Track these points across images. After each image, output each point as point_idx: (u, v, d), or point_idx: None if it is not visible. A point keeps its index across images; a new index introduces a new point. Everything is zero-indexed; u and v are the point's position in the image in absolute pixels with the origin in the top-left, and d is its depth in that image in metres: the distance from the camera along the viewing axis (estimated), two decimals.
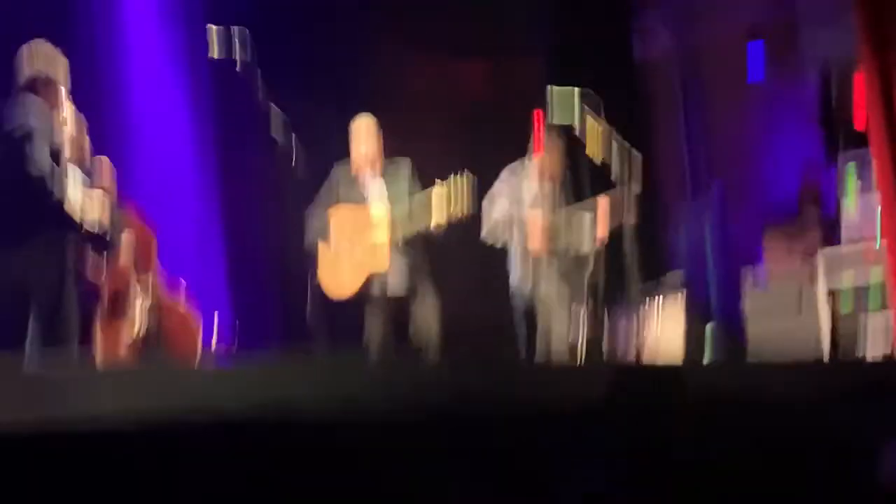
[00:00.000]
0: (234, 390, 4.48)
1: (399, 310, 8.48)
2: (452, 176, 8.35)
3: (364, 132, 8.60)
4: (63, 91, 6.73)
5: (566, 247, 9.17)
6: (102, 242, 6.72)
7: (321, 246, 8.52)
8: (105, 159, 7.35)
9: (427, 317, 8.42)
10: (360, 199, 8.54)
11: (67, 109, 7.03)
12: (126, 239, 7.45)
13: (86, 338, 7.21)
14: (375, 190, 8.57)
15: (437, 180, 8.39)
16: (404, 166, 8.63)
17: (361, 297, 8.44)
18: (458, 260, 9.10)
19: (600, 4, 11.83)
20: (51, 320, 6.44)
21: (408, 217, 8.37)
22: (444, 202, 8.27)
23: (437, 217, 8.28)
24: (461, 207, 8.32)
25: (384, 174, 8.59)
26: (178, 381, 4.52)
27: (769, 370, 6.32)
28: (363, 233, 8.43)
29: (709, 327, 10.24)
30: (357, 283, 8.42)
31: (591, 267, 9.17)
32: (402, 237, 8.40)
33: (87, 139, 7.27)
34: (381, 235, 8.39)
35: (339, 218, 8.49)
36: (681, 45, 13.43)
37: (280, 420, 4.30)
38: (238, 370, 5.19)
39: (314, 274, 8.46)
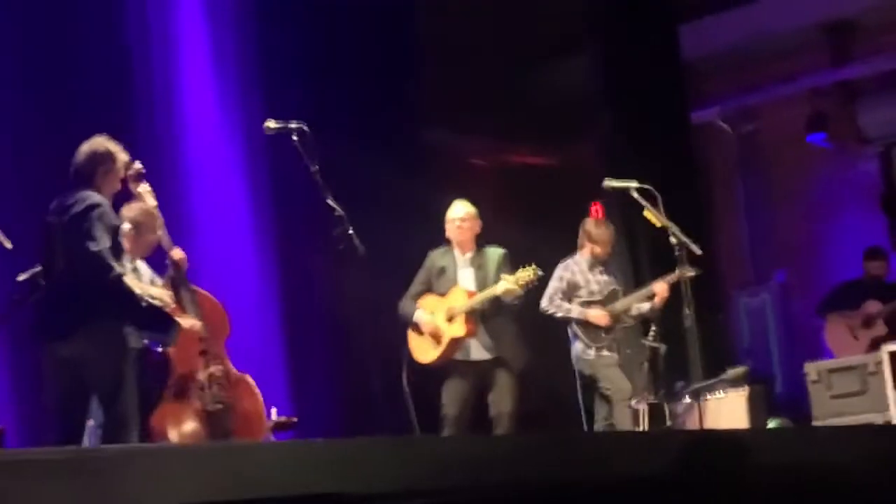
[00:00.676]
0: (302, 467, 4.42)
1: (481, 375, 8.48)
2: (521, 267, 8.38)
3: (458, 219, 8.65)
4: (118, 182, 6.81)
5: (624, 338, 9.16)
6: (163, 319, 6.71)
7: (411, 331, 8.64)
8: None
9: (504, 384, 8.42)
10: (448, 285, 8.62)
11: (144, 202, 7.29)
12: (195, 315, 7.51)
13: (149, 417, 7.25)
14: (466, 276, 8.61)
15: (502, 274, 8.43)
16: (497, 256, 8.65)
17: (445, 363, 8.51)
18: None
19: (657, 101, 11.84)
20: (111, 404, 6.45)
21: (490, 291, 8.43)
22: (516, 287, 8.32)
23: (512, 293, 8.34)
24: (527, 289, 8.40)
25: (477, 261, 8.63)
26: (245, 457, 4.47)
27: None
28: (448, 305, 8.48)
29: (772, 423, 10.09)
30: (441, 350, 8.47)
31: (648, 358, 9.12)
32: (485, 305, 8.43)
33: (161, 229, 7.47)
34: (465, 304, 8.42)
35: (427, 303, 8.60)
36: (740, 138, 13.48)
37: (344, 498, 4.25)
38: (306, 446, 5.13)
39: (406, 351, 8.58)
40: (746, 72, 13.20)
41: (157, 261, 7.69)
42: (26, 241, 6.55)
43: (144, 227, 7.54)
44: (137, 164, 7.19)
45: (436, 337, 8.50)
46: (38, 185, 7.97)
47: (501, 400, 8.41)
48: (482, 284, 8.51)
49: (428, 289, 8.67)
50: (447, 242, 8.73)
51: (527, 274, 8.35)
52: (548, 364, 9.00)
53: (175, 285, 7.51)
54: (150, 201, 7.37)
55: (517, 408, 8.43)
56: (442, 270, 8.64)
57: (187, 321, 7.40)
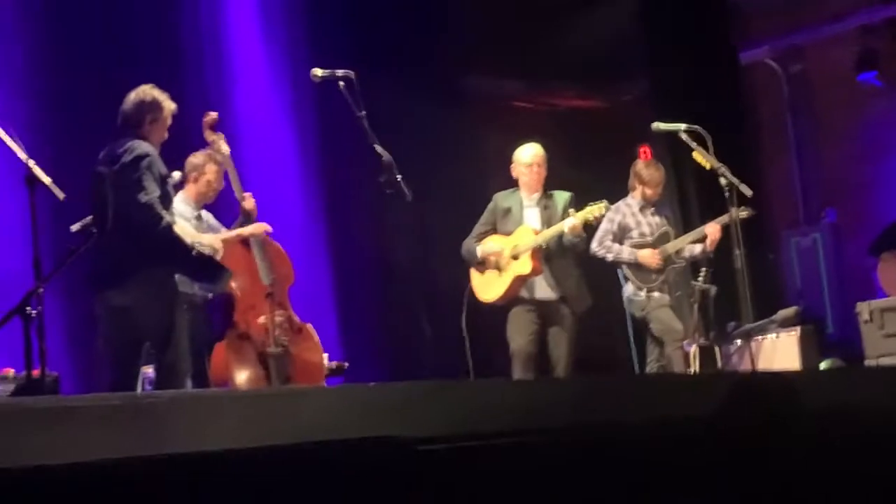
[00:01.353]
0: (355, 411, 4.46)
1: (545, 314, 8.45)
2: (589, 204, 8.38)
3: (529, 160, 8.63)
4: (165, 131, 6.84)
5: (675, 279, 9.15)
6: (213, 266, 6.75)
7: (474, 271, 8.63)
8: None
9: (566, 326, 8.44)
10: (514, 225, 8.60)
11: (218, 149, 7.52)
12: (262, 262, 7.61)
13: (209, 360, 7.36)
14: (532, 216, 8.60)
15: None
16: (563, 199, 8.64)
17: (509, 301, 8.49)
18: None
19: (705, 41, 11.75)
20: (163, 351, 6.53)
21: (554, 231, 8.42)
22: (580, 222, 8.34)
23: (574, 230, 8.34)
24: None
25: (543, 203, 8.62)
26: (297, 402, 4.50)
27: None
28: (513, 244, 8.46)
29: (825, 363, 10.05)
30: (505, 287, 8.45)
31: (699, 300, 9.12)
32: (550, 244, 8.42)
33: (234, 179, 7.64)
34: (530, 242, 8.40)
35: (492, 241, 8.58)
36: (789, 78, 13.35)
37: (396, 441, 4.27)
38: (359, 390, 5.17)
39: (468, 291, 8.59)
40: (795, 10, 13.06)
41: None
42: (77, 190, 6.59)
43: (202, 172, 7.67)
44: (213, 113, 7.51)
45: (500, 269, 8.47)
46: (87, 135, 8.02)
47: (561, 342, 8.41)
48: (548, 225, 8.49)
49: (492, 230, 8.64)
50: (514, 184, 8.70)
51: (597, 208, 8.35)
52: (600, 306, 8.99)
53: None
54: (224, 148, 7.54)
55: (576, 351, 8.43)
56: (507, 211, 8.61)
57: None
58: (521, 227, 8.52)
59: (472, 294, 8.61)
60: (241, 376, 7.46)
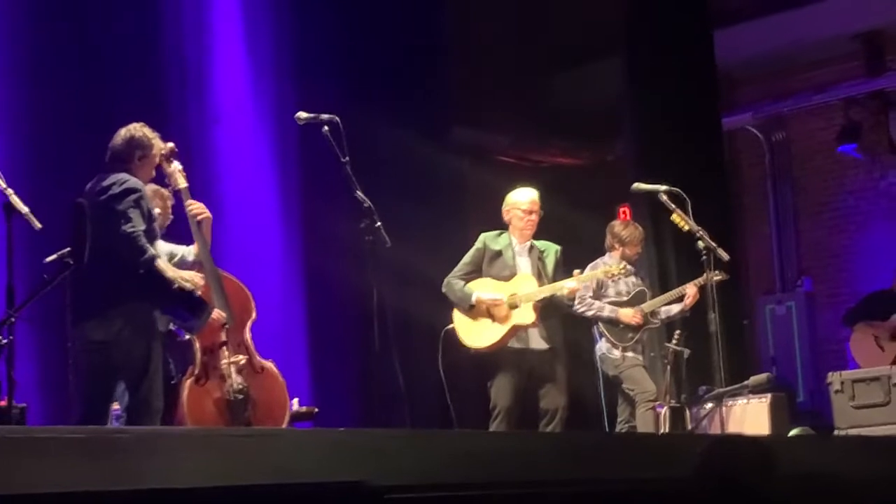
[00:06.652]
0: (322, 455, 4.43)
1: (536, 365, 8.28)
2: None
3: (527, 205, 8.45)
4: (153, 169, 6.82)
5: (648, 340, 9.15)
6: (195, 303, 6.69)
7: (458, 312, 8.38)
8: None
9: (561, 378, 8.30)
10: (506, 271, 8.36)
11: (175, 182, 7.27)
12: (220, 299, 7.47)
13: (174, 399, 7.25)
14: (524, 265, 8.40)
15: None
16: (553, 252, 8.48)
17: (497, 350, 8.29)
18: None
19: (690, 105, 11.80)
20: (137, 387, 6.46)
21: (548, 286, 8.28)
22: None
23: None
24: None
25: (535, 252, 8.43)
26: (266, 444, 4.47)
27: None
28: (511, 291, 8.24)
29: (794, 431, 10.04)
30: (501, 335, 8.23)
31: (671, 362, 9.11)
32: (542, 299, 8.26)
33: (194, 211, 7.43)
34: (534, 292, 8.21)
35: (483, 286, 8.35)
36: (771, 145, 13.45)
37: (363, 487, 4.24)
38: (326, 435, 5.14)
39: (445, 332, 8.41)
40: (780, 79, 13.19)
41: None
42: (54, 221, 6.56)
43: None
44: (170, 144, 7.21)
45: (494, 317, 8.27)
46: (67, 167, 8.02)
47: (558, 394, 8.25)
48: (539, 275, 8.33)
49: (478, 271, 8.41)
50: (502, 227, 8.50)
51: (603, 272, 8.35)
52: (571, 363, 8.95)
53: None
54: (182, 182, 7.34)
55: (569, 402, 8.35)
56: (497, 254, 8.38)
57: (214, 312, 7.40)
58: (521, 275, 8.32)
59: (450, 335, 8.39)
60: (201, 420, 7.33)
